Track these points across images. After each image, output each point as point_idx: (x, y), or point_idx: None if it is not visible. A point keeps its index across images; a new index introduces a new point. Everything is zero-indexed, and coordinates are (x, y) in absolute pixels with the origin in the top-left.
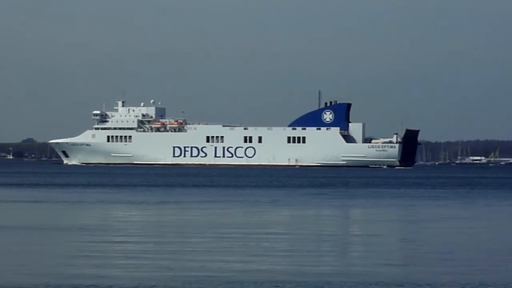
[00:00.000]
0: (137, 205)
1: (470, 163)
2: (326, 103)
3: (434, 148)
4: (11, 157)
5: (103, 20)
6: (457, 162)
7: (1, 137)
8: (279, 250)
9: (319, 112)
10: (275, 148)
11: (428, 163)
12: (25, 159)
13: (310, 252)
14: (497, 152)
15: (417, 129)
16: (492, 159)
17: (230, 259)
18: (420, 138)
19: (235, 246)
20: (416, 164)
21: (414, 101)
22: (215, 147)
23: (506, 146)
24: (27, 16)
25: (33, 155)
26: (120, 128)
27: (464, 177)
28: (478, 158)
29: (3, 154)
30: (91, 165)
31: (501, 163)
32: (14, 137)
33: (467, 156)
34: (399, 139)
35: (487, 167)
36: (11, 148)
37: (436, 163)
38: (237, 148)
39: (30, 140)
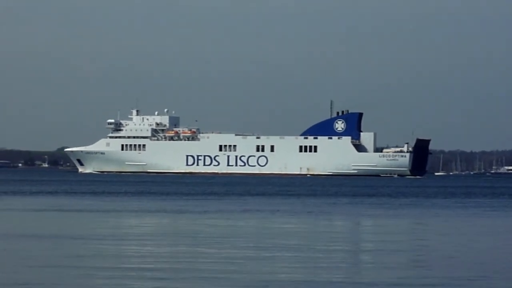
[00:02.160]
0: (216, 214)
1: (504, 173)
2: (338, 113)
3: (469, 157)
4: (46, 165)
5: (118, 29)
6: (492, 172)
7: (37, 146)
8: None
9: (331, 121)
10: (287, 157)
11: (463, 173)
12: (60, 168)
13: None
14: None
15: (428, 138)
16: None
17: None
18: (451, 147)
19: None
20: (431, 173)
21: (430, 110)
22: (228, 156)
23: None
24: (47, 29)
25: (68, 164)
26: (134, 137)
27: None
28: None
29: (39, 163)
30: (105, 173)
31: None
32: (50, 146)
33: (502, 165)
34: (410, 148)
35: None
36: (46, 157)
37: (471, 172)
38: (249, 157)
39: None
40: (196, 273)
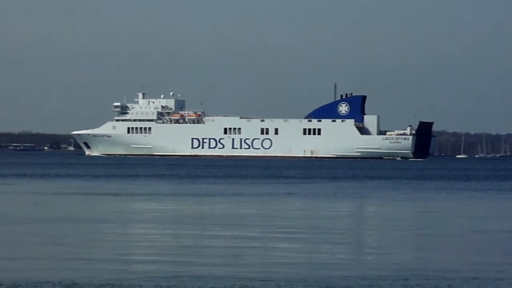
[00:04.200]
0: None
1: None
2: (341, 96)
3: (494, 140)
4: (72, 148)
5: (124, 12)
6: None
7: (65, 129)
8: None
9: (335, 104)
10: (291, 139)
11: (489, 155)
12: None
13: None
14: None
15: (431, 121)
16: None
17: None
18: (477, 129)
19: None
20: (452, 156)
21: (433, 92)
22: (233, 139)
23: None
24: (51, 14)
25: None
26: (140, 120)
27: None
28: None
29: (64, 146)
30: (112, 156)
31: None
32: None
33: None
34: (412, 131)
35: None
36: (72, 140)
37: (497, 155)
38: (254, 139)
39: None
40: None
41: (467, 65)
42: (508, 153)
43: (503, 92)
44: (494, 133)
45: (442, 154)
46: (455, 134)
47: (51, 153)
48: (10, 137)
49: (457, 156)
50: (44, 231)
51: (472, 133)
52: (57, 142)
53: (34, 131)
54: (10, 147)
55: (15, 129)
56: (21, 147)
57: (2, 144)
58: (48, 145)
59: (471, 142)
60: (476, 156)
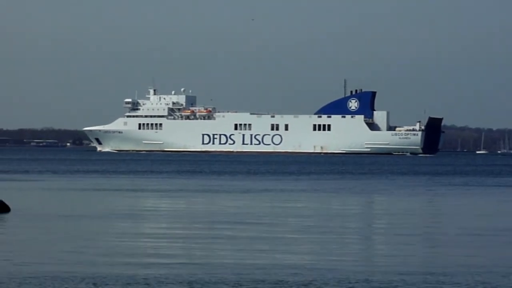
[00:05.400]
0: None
1: None
2: (351, 92)
3: None
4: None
5: (136, 9)
6: None
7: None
8: None
9: (345, 100)
10: (301, 135)
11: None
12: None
13: None
14: None
15: (440, 117)
16: None
17: None
18: (499, 125)
19: None
20: (473, 151)
21: (441, 89)
22: (243, 135)
23: None
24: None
25: None
26: (151, 116)
27: None
28: None
29: (87, 142)
30: (123, 152)
31: None
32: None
33: None
34: (422, 127)
35: None
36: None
37: None
38: (264, 135)
39: None
40: None
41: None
42: None
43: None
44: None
45: (465, 150)
46: (477, 130)
47: (72, 150)
48: (33, 133)
49: (477, 152)
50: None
51: (494, 128)
52: (79, 138)
53: (56, 127)
54: (32, 143)
55: (38, 125)
56: (44, 143)
57: (25, 140)
58: (71, 141)
59: (494, 138)
60: (498, 151)
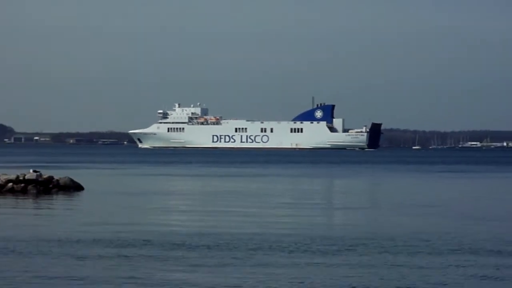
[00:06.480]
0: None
1: (468, 147)
2: (317, 105)
3: (443, 136)
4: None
5: (160, 40)
6: (460, 146)
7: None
8: None
9: (312, 111)
10: (282, 136)
11: (439, 147)
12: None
13: None
14: (488, 139)
15: (380, 122)
16: (485, 144)
17: None
18: (430, 127)
19: None
20: (409, 147)
21: (385, 101)
22: (241, 136)
23: (496, 134)
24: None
25: None
26: (176, 122)
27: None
28: (475, 143)
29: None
30: (156, 148)
31: (491, 146)
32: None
33: (467, 141)
34: (367, 130)
35: (480, 150)
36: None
37: (445, 147)
38: (256, 136)
39: None
40: None
41: (418, 75)
42: (453, 145)
43: (440, 92)
44: (442, 130)
45: (406, 146)
46: (414, 132)
47: (128, 146)
48: (100, 135)
49: (413, 148)
50: None
51: (427, 130)
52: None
53: (116, 130)
54: (99, 142)
55: (104, 128)
56: (107, 142)
57: (94, 140)
58: (127, 140)
59: (427, 137)
60: (430, 147)
